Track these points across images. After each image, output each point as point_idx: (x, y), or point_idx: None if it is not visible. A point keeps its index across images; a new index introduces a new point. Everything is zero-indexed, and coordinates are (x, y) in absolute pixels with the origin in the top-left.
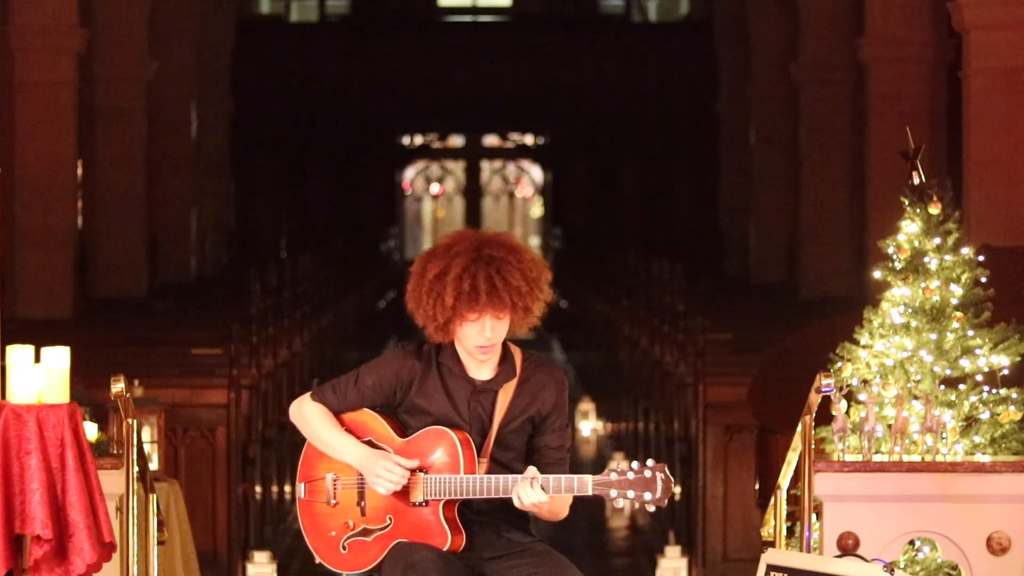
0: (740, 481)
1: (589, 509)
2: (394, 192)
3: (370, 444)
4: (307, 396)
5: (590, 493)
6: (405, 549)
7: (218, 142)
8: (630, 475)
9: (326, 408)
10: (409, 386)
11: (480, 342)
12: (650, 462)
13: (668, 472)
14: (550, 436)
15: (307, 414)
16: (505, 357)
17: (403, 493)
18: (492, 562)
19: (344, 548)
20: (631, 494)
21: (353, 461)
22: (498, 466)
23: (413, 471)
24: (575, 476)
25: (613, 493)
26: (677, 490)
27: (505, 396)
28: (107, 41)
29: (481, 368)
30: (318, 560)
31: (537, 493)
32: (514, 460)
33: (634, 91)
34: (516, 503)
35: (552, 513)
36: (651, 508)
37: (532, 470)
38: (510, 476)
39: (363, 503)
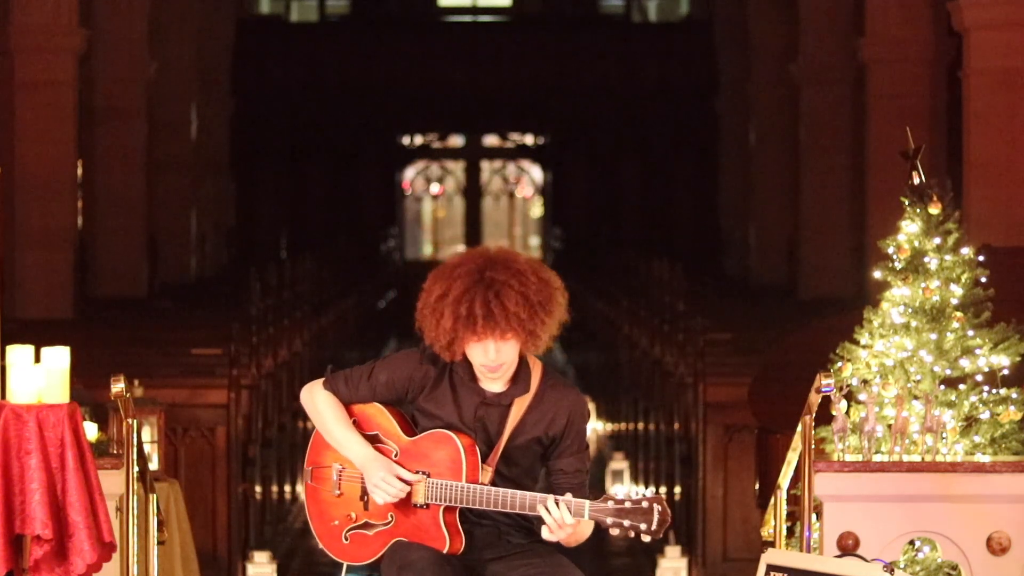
0: (740, 481)
1: None
2: (394, 192)
3: (376, 439)
4: (319, 383)
5: (586, 519)
6: (402, 549)
7: (218, 142)
8: (627, 504)
9: (337, 399)
10: (420, 390)
11: (485, 362)
12: (648, 493)
13: (666, 505)
14: (565, 460)
15: (318, 403)
16: (520, 372)
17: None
18: (493, 563)
19: (346, 539)
20: (626, 523)
21: (356, 461)
22: (503, 481)
23: (412, 484)
24: (572, 499)
25: (608, 521)
26: (677, 490)
27: (518, 411)
28: (107, 41)
29: (494, 381)
30: (320, 546)
31: (564, 512)
32: (520, 476)
33: (634, 91)
34: (545, 535)
35: (576, 539)
36: (645, 539)
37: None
38: (510, 491)
39: (366, 497)
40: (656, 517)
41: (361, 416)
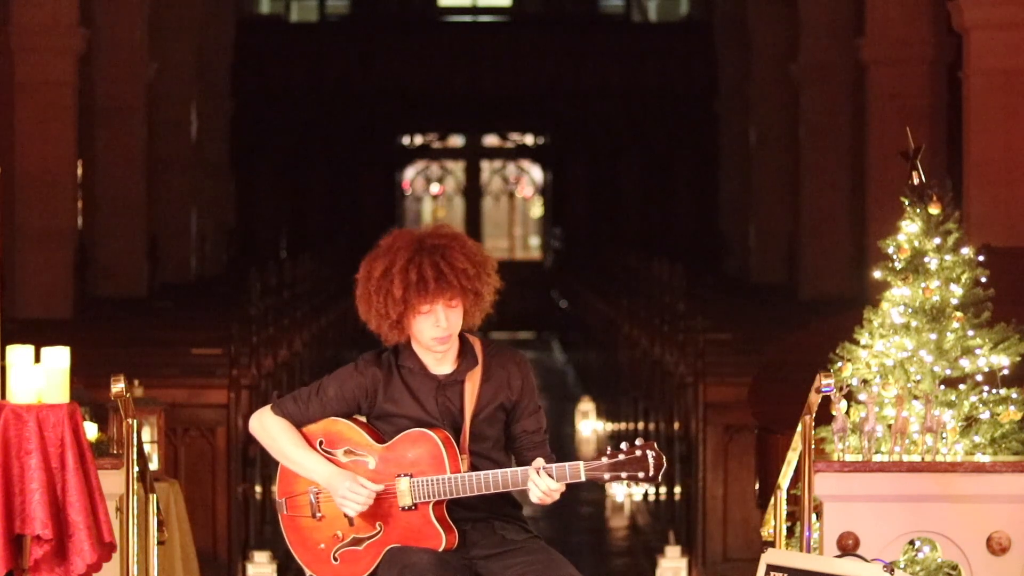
0: (740, 481)
1: (589, 509)
2: (394, 192)
3: (348, 453)
4: (267, 409)
5: (583, 479)
6: (400, 553)
7: (218, 142)
8: (621, 456)
9: (289, 422)
10: (375, 395)
11: (436, 333)
12: (639, 441)
13: (658, 448)
14: (527, 420)
15: (271, 429)
16: (464, 348)
17: (391, 500)
18: (488, 561)
19: (335, 559)
20: (624, 475)
21: (320, 479)
22: (478, 458)
23: (380, 492)
24: (567, 464)
25: (606, 476)
26: (677, 490)
27: (472, 386)
28: (107, 41)
29: (442, 363)
30: (308, 574)
31: (546, 481)
32: (491, 450)
33: (634, 91)
34: (532, 498)
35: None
36: (646, 486)
37: (540, 462)
38: (498, 471)
39: None
40: (651, 462)
41: (328, 435)
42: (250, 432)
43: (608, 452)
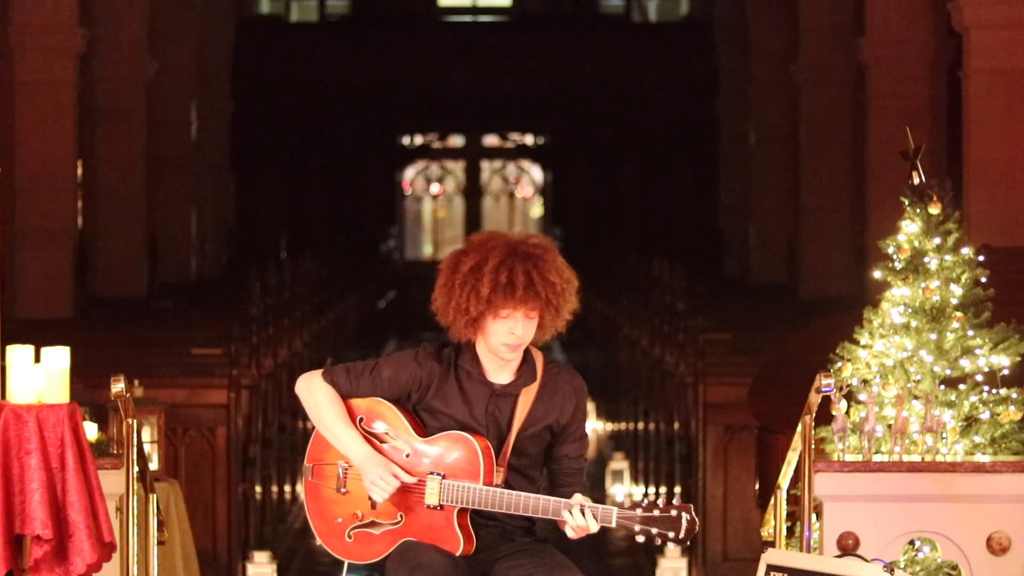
0: (740, 481)
1: None
2: (394, 192)
3: (387, 436)
4: (318, 374)
5: (613, 525)
6: (413, 549)
7: (218, 142)
8: (655, 512)
9: (336, 392)
10: (427, 388)
11: (509, 340)
12: (676, 500)
13: (694, 513)
14: (570, 446)
15: (317, 395)
16: (526, 361)
17: (417, 494)
18: (496, 562)
19: (349, 537)
20: (654, 531)
21: (354, 458)
22: (513, 472)
23: (412, 485)
24: (600, 506)
25: (636, 528)
26: (677, 490)
27: (525, 401)
28: (107, 41)
29: (501, 372)
30: (319, 543)
31: (589, 520)
32: (529, 467)
33: (634, 91)
34: (568, 533)
35: None
36: (671, 545)
37: (579, 497)
38: (531, 496)
39: None
40: (684, 525)
41: (371, 414)
42: (295, 391)
43: (644, 505)
